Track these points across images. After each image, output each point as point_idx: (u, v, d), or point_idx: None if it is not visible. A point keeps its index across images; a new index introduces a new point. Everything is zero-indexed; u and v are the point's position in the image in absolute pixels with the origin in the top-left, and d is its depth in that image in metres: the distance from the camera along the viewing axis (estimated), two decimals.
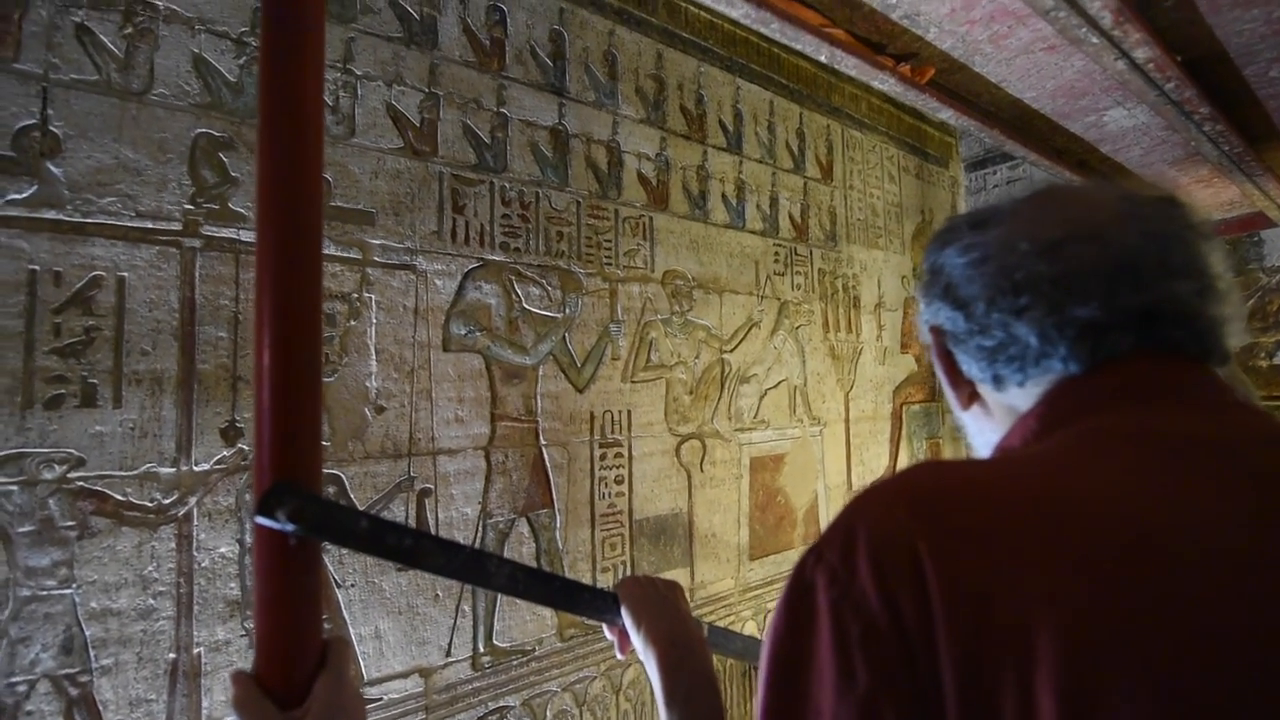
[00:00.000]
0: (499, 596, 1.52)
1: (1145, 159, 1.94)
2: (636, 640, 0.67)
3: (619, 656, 0.73)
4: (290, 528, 0.46)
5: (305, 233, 0.51)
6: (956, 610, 0.34)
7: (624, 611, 0.68)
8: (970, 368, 0.54)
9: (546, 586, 0.64)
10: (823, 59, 1.10)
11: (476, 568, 0.57)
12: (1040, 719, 0.32)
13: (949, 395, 0.60)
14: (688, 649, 0.66)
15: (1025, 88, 1.35)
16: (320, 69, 0.57)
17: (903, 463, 2.83)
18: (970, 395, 0.56)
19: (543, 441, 1.63)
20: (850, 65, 1.11)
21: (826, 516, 2.43)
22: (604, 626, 0.73)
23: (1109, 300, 0.46)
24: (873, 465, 2.68)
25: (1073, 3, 0.93)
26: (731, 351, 2.13)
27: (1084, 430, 0.45)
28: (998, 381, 0.52)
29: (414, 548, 0.54)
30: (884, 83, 1.19)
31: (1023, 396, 0.51)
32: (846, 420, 2.57)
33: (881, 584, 0.37)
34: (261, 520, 0.47)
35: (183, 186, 1.18)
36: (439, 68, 1.51)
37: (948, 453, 3.12)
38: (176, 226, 1.17)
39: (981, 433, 0.58)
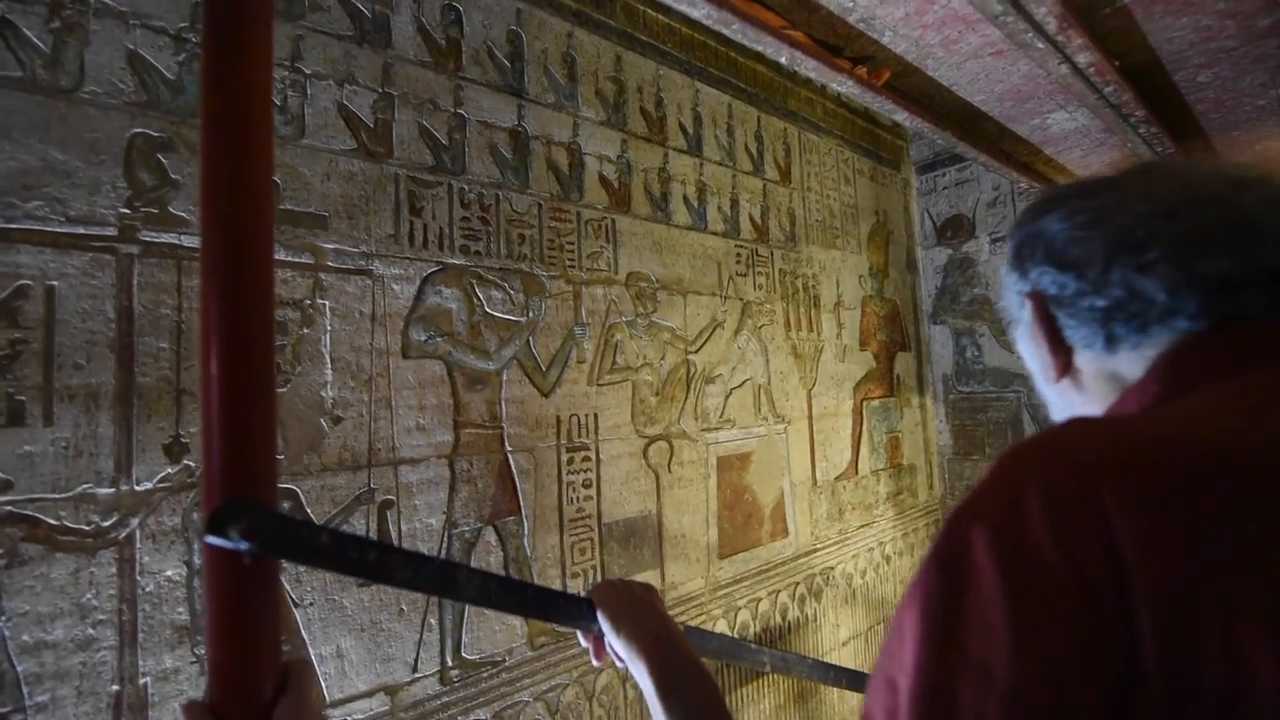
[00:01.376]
0: (466, 608, 1.48)
1: (1085, 160, 2.04)
2: (617, 643, 0.66)
3: (595, 664, 0.71)
4: (244, 546, 0.43)
5: (254, 229, 0.49)
6: (1157, 570, 0.33)
7: (600, 616, 0.67)
8: (1077, 331, 0.53)
9: (519, 596, 0.63)
10: (783, 60, 1.12)
11: (446, 579, 0.55)
12: (1257, 677, 0.31)
13: (1038, 367, 0.58)
14: (672, 642, 0.65)
15: (975, 91, 1.40)
16: (268, 64, 0.54)
17: (864, 458, 2.90)
18: (1065, 365, 0.55)
19: (508, 448, 1.60)
20: (810, 67, 1.12)
21: (793, 513, 2.47)
22: (579, 633, 0.71)
23: (1240, 257, 0.46)
24: (836, 460, 2.73)
25: (1020, 8, 0.97)
26: (696, 352, 2.14)
27: (1237, 389, 0.44)
28: (1111, 342, 0.51)
29: (379, 562, 0.51)
30: (842, 85, 1.22)
31: (1132, 361, 0.50)
32: (810, 417, 2.61)
33: (1060, 537, 0.35)
34: (212, 540, 0.44)
35: (118, 190, 1.12)
36: (393, 67, 1.47)
37: (906, 446, 3.21)
38: (111, 232, 1.11)
39: (1070, 407, 0.57)
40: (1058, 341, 0.55)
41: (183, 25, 1.20)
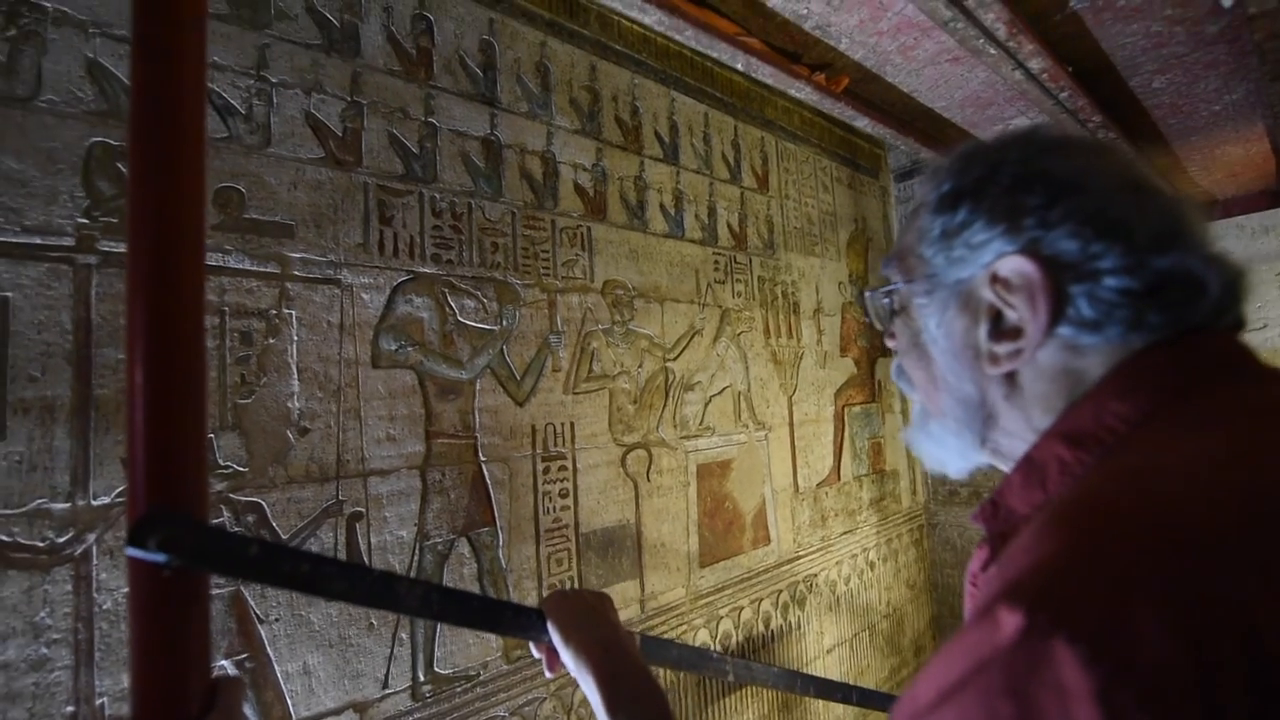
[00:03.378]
0: (439, 623, 1.46)
1: None
2: (566, 655, 0.65)
3: (548, 675, 0.70)
4: (162, 558, 0.42)
5: (183, 231, 0.48)
6: None
7: (551, 627, 0.66)
8: (1085, 309, 0.43)
9: (463, 606, 0.61)
10: (739, 66, 1.13)
11: (385, 591, 0.54)
12: None
13: (955, 348, 0.48)
14: (623, 655, 0.63)
15: (935, 97, 1.42)
16: (201, 64, 0.54)
17: (847, 464, 2.90)
18: (1019, 353, 0.46)
19: (482, 458, 1.59)
20: (767, 73, 1.13)
21: (775, 520, 2.46)
22: (530, 645, 0.70)
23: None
24: (818, 467, 2.73)
25: (968, 14, 0.98)
26: (675, 360, 2.13)
27: (1245, 410, 0.38)
28: (1131, 327, 0.42)
29: (312, 573, 0.50)
30: (800, 91, 1.23)
31: (1101, 360, 0.43)
32: (791, 424, 2.62)
33: (1188, 657, 0.26)
34: (132, 551, 0.43)
35: (75, 199, 1.10)
36: (362, 76, 1.46)
37: (888, 452, 3.22)
38: (69, 242, 1.09)
39: (977, 408, 0.48)
40: (1051, 321, 0.44)
41: None
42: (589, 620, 0.66)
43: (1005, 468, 0.50)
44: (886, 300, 0.56)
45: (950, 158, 0.51)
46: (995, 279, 0.46)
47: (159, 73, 0.50)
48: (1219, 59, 1.29)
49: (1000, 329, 0.46)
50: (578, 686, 1.69)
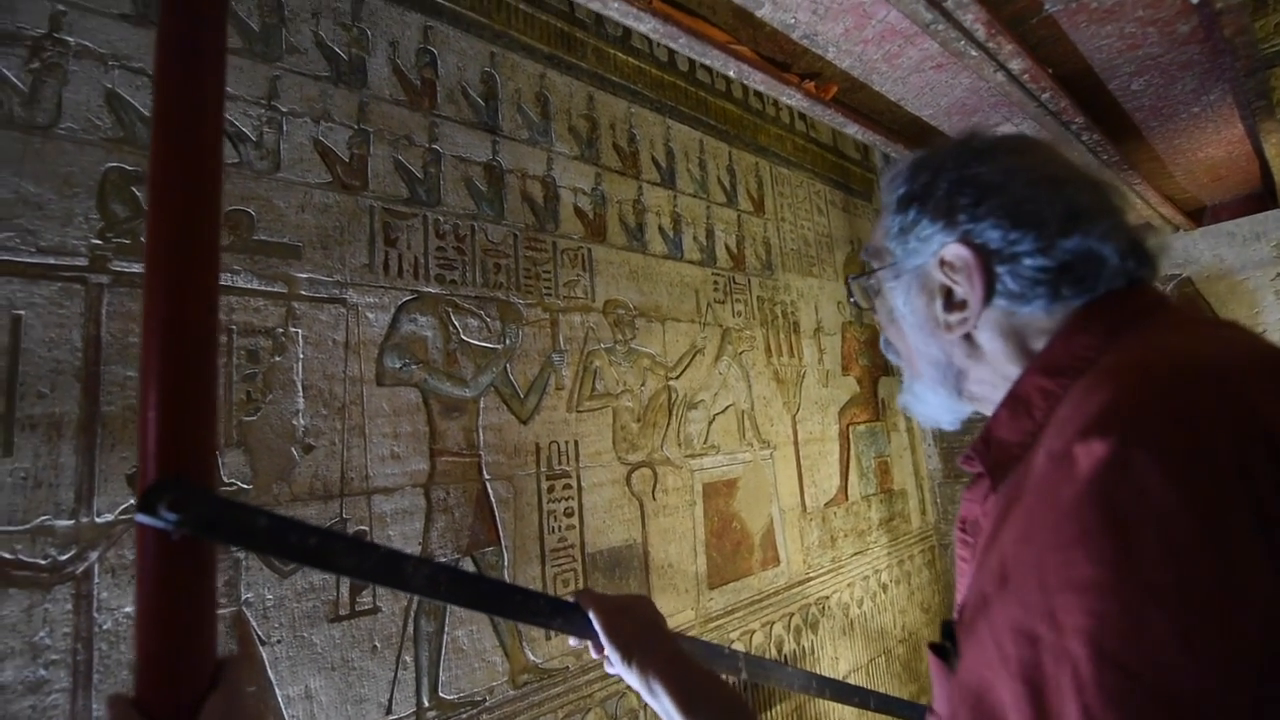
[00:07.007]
0: (444, 644, 1.43)
1: None
2: (631, 676, 0.67)
3: (610, 670, 0.72)
4: (172, 518, 0.42)
5: (197, 215, 0.50)
6: None
7: (607, 643, 0.68)
8: (1009, 286, 0.53)
9: (472, 588, 0.60)
10: (731, 74, 1.17)
11: (392, 568, 0.54)
12: None
13: (920, 321, 0.58)
14: (689, 668, 0.66)
15: (922, 105, 1.47)
16: (220, 83, 0.56)
17: (854, 483, 2.87)
18: (967, 320, 0.56)
19: (486, 476, 1.58)
20: (758, 81, 1.18)
21: (784, 540, 2.42)
22: (587, 645, 0.72)
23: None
24: (825, 486, 2.70)
25: (948, 16, 1.03)
26: (677, 378, 2.14)
27: (1169, 327, 0.48)
28: (1053, 300, 0.52)
29: (320, 547, 0.50)
30: (791, 99, 1.27)
31: (1042, 316, 0.53)
32: (795, 442, 2.60)
33: (1246, 462, 0.34)
34: (142, 518, 0.43)
35: (90, 221, 1.13)
36: (368, 105, 1.52)
37: (896, 471, 3.19)
38: (82, 262, 1.12)
39: (948, 363, 0.58)
40: (986, 295, 0.54)
41: None
42: (648, 635, 0.68)
43: (989, 412, 0.58)
44: (870, 283, 0.65)
45: (904, 165, 0.61)
46: (943, 263, 0.56)
47: (182, 74, 0.52)
48: (1193, 59, 1.33)
49: (951, 303, 0.56)
50: (586, 713, 1.64)
